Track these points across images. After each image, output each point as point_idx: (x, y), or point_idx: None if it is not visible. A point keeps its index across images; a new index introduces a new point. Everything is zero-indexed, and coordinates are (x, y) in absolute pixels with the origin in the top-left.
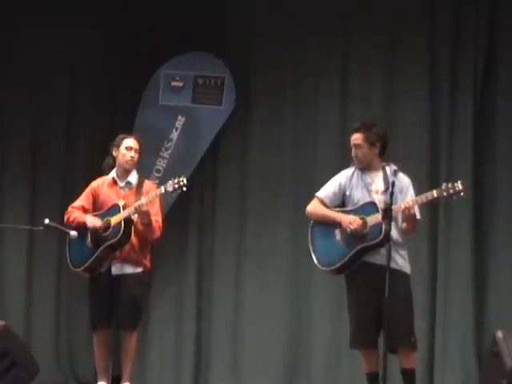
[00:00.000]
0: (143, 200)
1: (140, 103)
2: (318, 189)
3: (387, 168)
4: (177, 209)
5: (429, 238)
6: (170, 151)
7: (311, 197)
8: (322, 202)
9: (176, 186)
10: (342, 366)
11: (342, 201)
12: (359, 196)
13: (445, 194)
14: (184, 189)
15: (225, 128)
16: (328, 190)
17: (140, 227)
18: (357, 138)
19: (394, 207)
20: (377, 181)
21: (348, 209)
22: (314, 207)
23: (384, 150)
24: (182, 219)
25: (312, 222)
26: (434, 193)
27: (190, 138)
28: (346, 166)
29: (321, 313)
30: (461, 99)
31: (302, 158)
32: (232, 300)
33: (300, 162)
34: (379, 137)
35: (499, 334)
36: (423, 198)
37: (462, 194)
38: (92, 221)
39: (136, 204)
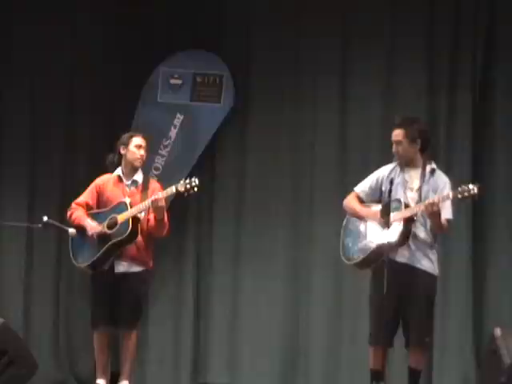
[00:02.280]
0: (160, 195)
1: (139, 101)
2: (316, 188)
3: (428, 166)
4: (175, 207)
5: None
6: (168, 149)
7: (309, 196)
8: (358, 197)
9: (188, 186)
10: (340, 364)
11: (379, 196)
12: (393, 193)
13: (459, 196)
14: (195, 189)
15: (223, 126)
16: (365, 184)
17: (152, 222)
18: (397, 133)
19: (415, 206)
20: (414, 178)
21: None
22: (347, 201)
23: (426, 147)
24: (180, 217)
25: (347, 215)
26: (450, 194)
27: (189, 136)
28: (344, 164)
29: (319, 311)
30: (459, 99)
31: (300, 157)
32: (230, 298)
33: (298, 161)
34: (420, 133)
35: (497, 332)
36: (440, 198)
37: (476, 197)
38: (92, 228)
39: (152, 197)
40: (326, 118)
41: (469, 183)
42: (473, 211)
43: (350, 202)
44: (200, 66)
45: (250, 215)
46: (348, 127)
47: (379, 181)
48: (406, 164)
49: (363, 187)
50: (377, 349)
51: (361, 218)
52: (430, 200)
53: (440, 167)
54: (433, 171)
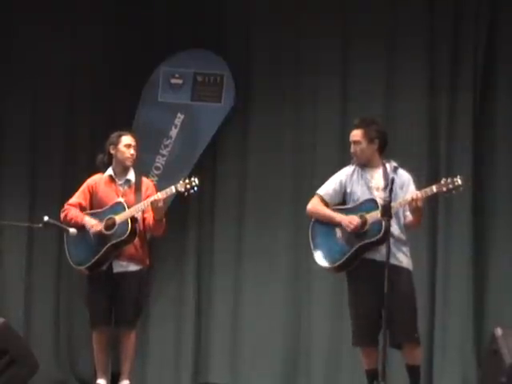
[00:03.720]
0: (159, 195)
1: (139, 100)
2: (318, 187)
3: (387, 165)
4: (176, 207)
5: (428, 236)
6: (169, 149)
7: (311, 196)
8: (323, 200)
9: (188, 186)
10: (341, 365)
11: (342, 198)
12: (359, 193)
13: (444, 189)
14: (195, 189)
15: (224, 126)
16: (328, 187)
17: (150, 222)
18: (356, 134)
19: (396, 202)
20: (376, 177)
21: (348, 206)
22: (314, 206)
23: (384, 147)
24: (181, 217)
25: (313, 220)
26: (434, 188)
27: (190, 136)
28: (345, 164)
29: (320, 311)
30: (460, 100)
31: (301, 158)
32: (231, 298)
33: (299, 162)
34: (378, 133)
35: (498, 332)
36: (423, 193)
37: (461, 189)
38: (93, 225)
39: (152, 198)
40: (327, 119)
41: (454, 176)
42: (474, 211)
43: (317, 206)
44: (201, 65)
45: (251, 215)
46: (349, 128)
47: (343, 183)
48: (365, 164)
49: (327, 190)
50: (366, 349)
51: (335, 224)
52: (414, 195)
53: (441, 168)
54: (395, 169)
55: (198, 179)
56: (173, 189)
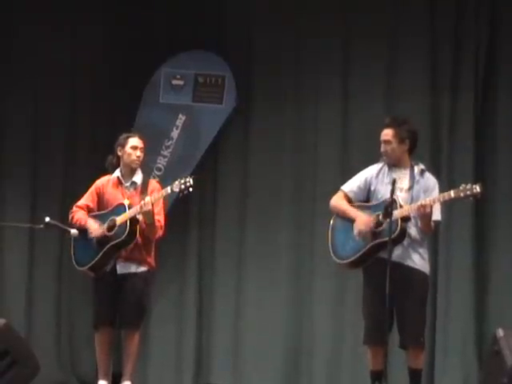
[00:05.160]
0: (147, 199)
1: (140, 102)
2: (319, 188)
3: (415, 167)
4: (177, 208)
5: (429, 239)
6: (170, 150)
7: (312, 197)
8: (346, 196)
9: (182, 186)
10: (343, 365)
11: (367, 196)
12: (383, 192)
13: (462, 194)
14: (190, 190)
15: (225, 127)
16: (353, 184)
17: (143, 226)
18: (387, 133)
19: (408, 206)
20: (403, 178)
21: (370, 204)
22: (336, 201)
23: (414, 148)
24: (183, 218)
25: (334, 215)
26: (452, 193)
27: (191, 137)
28: (347, 165)
29: (322, 311)
30: (462, 99)
31: (302, 158)
32: (233, 299)
33: (301, 162)
34: (409, 133)
35: (500, 333)
36: (440, 198)
37: (479, 196)
38: (93, 230)
39: (142, 203)
40: (328, 119)
41: (470, 183)
42: (475, 212)
43: (339, 201)
44: (201, 66)
45: (252, 216)
46: (350, 128)
47: (368, 180)
48: (394, 164)
49: (351, 187)
50: (374, 349)
51: (350, 219)
52: (423, 202)
53: (442, 168)
54: (422, 172)
55: (193, 179)
56: (168, 189)
